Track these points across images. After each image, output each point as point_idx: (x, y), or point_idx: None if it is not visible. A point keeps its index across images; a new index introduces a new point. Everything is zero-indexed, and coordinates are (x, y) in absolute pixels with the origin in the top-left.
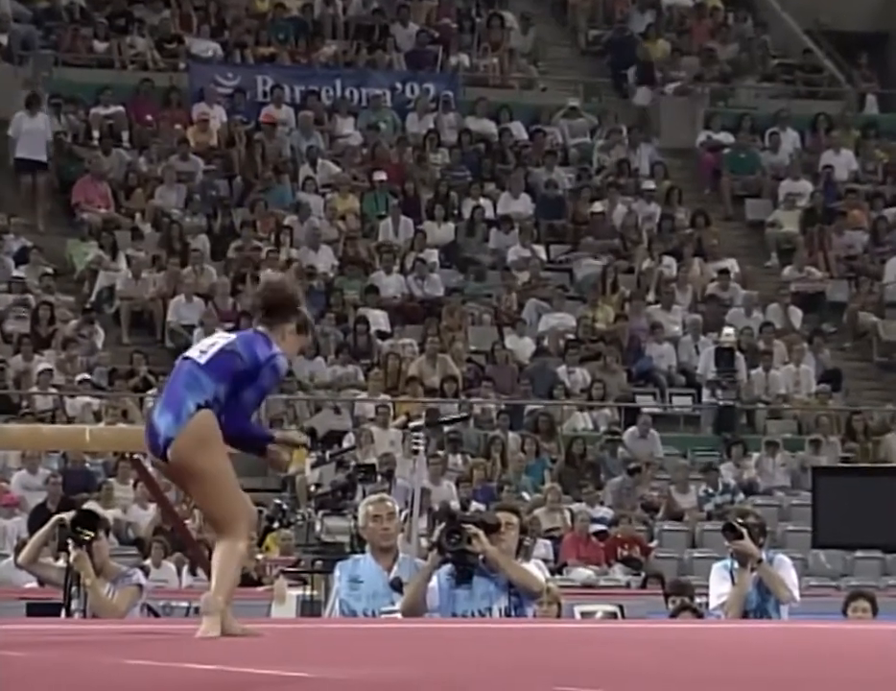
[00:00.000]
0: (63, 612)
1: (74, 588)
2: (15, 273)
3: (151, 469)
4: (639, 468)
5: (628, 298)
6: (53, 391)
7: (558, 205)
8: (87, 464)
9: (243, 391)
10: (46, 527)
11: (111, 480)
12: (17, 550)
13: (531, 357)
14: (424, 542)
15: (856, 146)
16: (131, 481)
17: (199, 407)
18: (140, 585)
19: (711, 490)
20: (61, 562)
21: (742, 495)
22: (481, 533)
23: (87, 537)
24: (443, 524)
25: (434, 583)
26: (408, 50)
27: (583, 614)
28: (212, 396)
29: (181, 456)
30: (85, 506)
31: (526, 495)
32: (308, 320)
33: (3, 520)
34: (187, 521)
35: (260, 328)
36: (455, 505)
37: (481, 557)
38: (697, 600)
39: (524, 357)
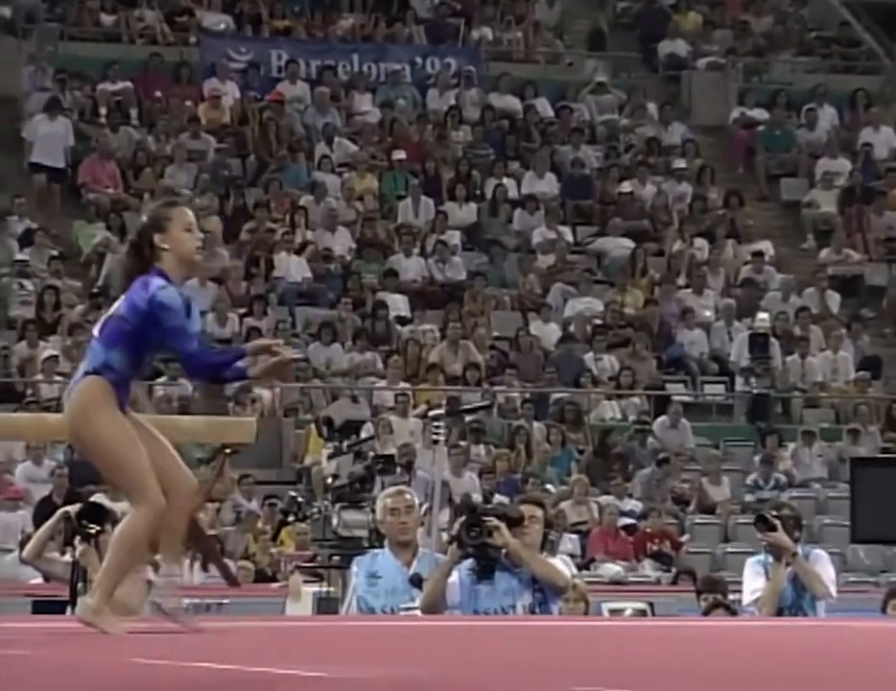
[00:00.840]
0: (70, 609)
1: (80, 584)
2: (20, 256)
3: None
4: (669, 459)
5: (658, 282)
6: (59, 378)
7: (585, 185)
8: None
9: (164, 339)
10: (51, 520)
11: None
12: (22, 545)
13: (557, 343)
14: (445, 536)
15: None
16: None
17: (85, 374)
18: (148, 581)
19: (762, 483)
20: (67, 557)
21: (777, 490)
22: (502, 526)
23: (93, 531)
24: (463, 517)
25: (455, 578)
26: (428, 23)
27: (612, 612)
28: (101, 363)
29: (68, 428)
30: (93, 498)
31: (551, 487)
32: (165, 204)
33: (7, 514)
34: (199, 514)
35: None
36: (477, 497)
37: (503, 551)
38: (731, 597)
39: (549, 343)
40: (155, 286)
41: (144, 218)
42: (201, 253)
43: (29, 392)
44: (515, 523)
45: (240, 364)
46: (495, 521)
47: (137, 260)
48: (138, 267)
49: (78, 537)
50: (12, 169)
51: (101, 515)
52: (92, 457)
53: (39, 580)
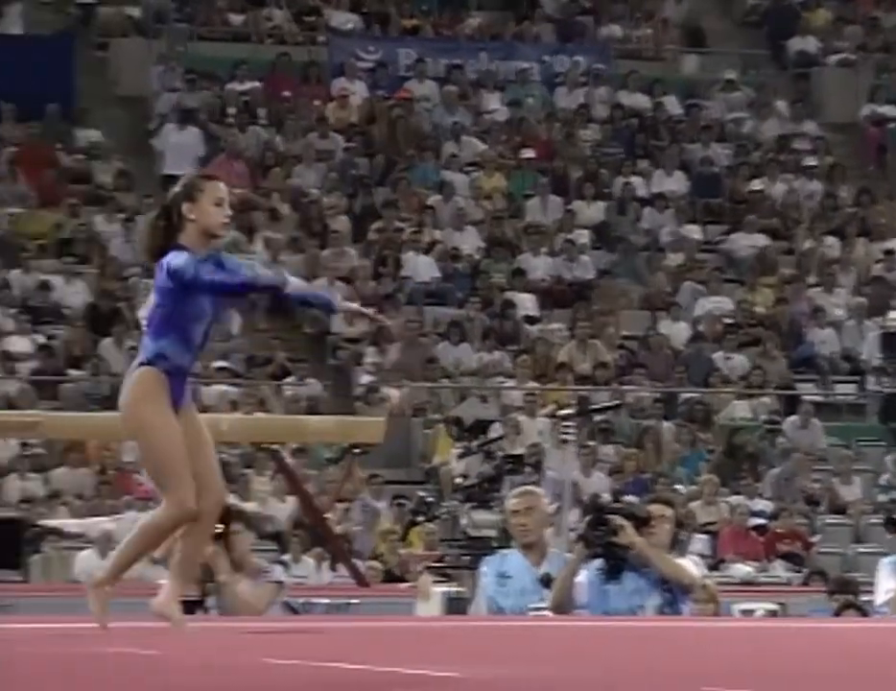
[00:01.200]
0: (200, 609)
1: (210, 585)
2: None
3: (290, 461)
4: (800, 459)
5: (789, 281)
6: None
7: (715, 183)
8: (223, 455)
9: (198, 293)
10: None
11: (248, 471)
12: None
13: (687, 343)
14: (574, 536)
15: None
16: (269, 473)
17: (140, 365)
18: (280, 582)
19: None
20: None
21: None
22: (627, 524)
23: (218, 531)
24: (589, 516)
25: (583, 578)
26: (557, 21)
27: (743, 612)
28: (153, 354)
29: (120, 416)
30: None
31: (681, 487)
32: (201, 175)
33: (137, 513)
34: (327, 515)
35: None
36: (606, 497)
37: (632, 551)
38: (862, 597)
39: (679, 342)
40: (167, 260)
41: (178, 187)
42: (226, 229)
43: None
44: (643, 522)
45: (325, 295)
46: (620, 520)
47: (165, 224)
48: (163, 232)
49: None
50: (143, 169)
51: (226, 516)
52: (137, 446)
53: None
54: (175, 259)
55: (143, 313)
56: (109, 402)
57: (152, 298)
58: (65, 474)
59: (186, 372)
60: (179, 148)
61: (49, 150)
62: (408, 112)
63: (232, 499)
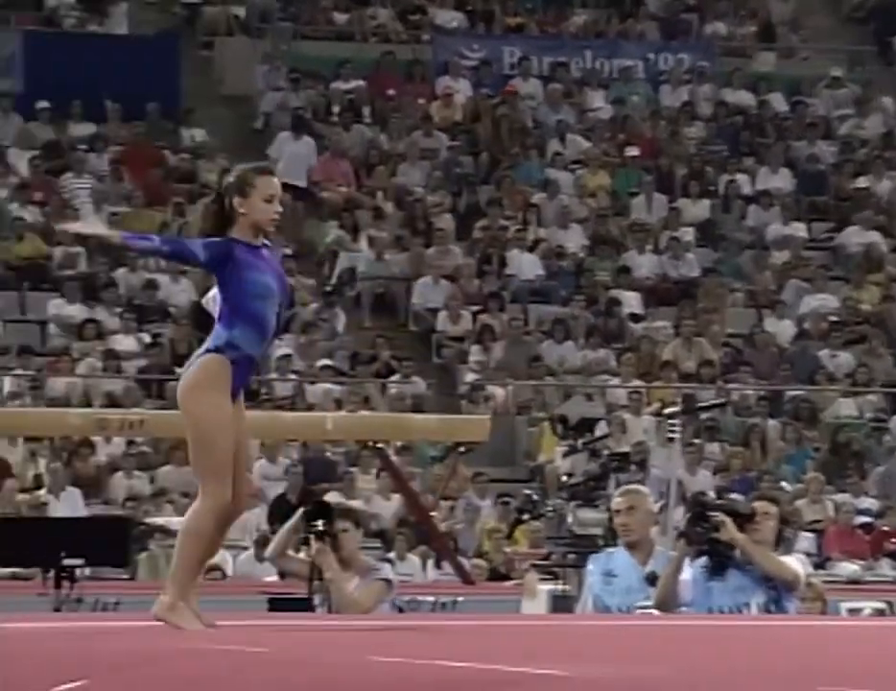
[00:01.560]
0: (307, 608)
1: (316, 582)
2: None
3: (395, 459)
4: None
5: (895, 278)
6: (292, 377)
7: (820, 181)
8: (329, 454)
9: (245, 283)
10: (292, 520)
11: (353, 470)
12: (258, 542)
13: (792, 340)
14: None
15: None
16: (374, 471)
17: (207, 351)
18: (388, 581)
19: None
20: (303, 555)
21: None
22: (728, 520)
23: (322, 529)
24: (691, 512)
25: (688, 575)
26: (661, 19)
27: (850, 611)
28: (224, 341)
29: (178, 397)
30: (326, 496)
31: (787, 485)
32: (253, 169)
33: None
34: (433, 513)
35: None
36: (711, 496)
37: (737, 551)
38: None
39: (784, 340)
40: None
41: (231, 177)
42: (274, 225)
43: (263, 390)
44: (747, 519)
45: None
46: (721, 516)
47: (217, 212)
48: (215, 218)
49: (313, 536)
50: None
51: (329, 514)
52: (187, 431)
53: (275, 577)
54: (202, 250)
55: (205, 300)
56: None
57: (214, 289)
58: (171, 472)
59: (254, 362)
60: (294, 157)
61: (154, 149)
62: (512, 110)
63: (337, 497)
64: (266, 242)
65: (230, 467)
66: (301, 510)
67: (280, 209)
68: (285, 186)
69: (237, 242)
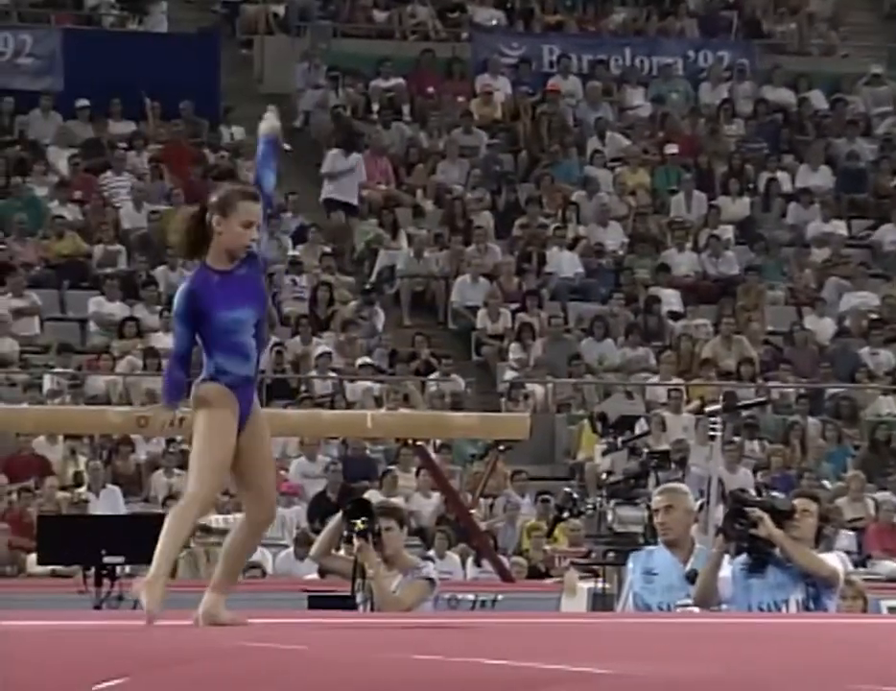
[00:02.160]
0: (348, 606)
1: (359, 581)
2: (293, 252)
3: (434, 456)
4: None
5: None
6: (332, 375)
7: (860, 178)
8: (368, 452)
9: (215, 322)
10: (336, 518)
11: (393, 468)
12: (297, 540)
13: (832, 338)
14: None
15: None
16: (414, 469)
17: (203, 381)
18: (431, 579)
19: None
20: (343, 553)
21: None
22: (765, 517)
23: (362, 528)
24: (729, 509)
25: (727, 572)
26: (701, 16)
27: (891, 609)
28: (213, 370)
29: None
30: (366, 495)
31: (827, 483)
32: (237, 192)
33: (282, 509)
34: (472, 510)
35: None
36: (752, 493)
37: (777, 548)
38: None
39: (824, 338)
40: (182, 288)
41: (216, 195)
42: (245, 252)
43: (303, 388)
44: (786, 516)
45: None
46: (758, 512)
47: (196, 226)
48: (194, 234)
49: (355, 534)
50: (287, 166)
51: (369, 512)
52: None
53: (315, 575)
54: (176, 297)
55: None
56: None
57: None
58: None
59: (251, 380)
60: (344, 174)
61: (193, 148)
62: (552, 108)
63: (375, 494)
64: (248, 249)
65: (222, 472)
66: (342, 509)
67: (256, 237)
68: (335, 202)
69: (207, 271)
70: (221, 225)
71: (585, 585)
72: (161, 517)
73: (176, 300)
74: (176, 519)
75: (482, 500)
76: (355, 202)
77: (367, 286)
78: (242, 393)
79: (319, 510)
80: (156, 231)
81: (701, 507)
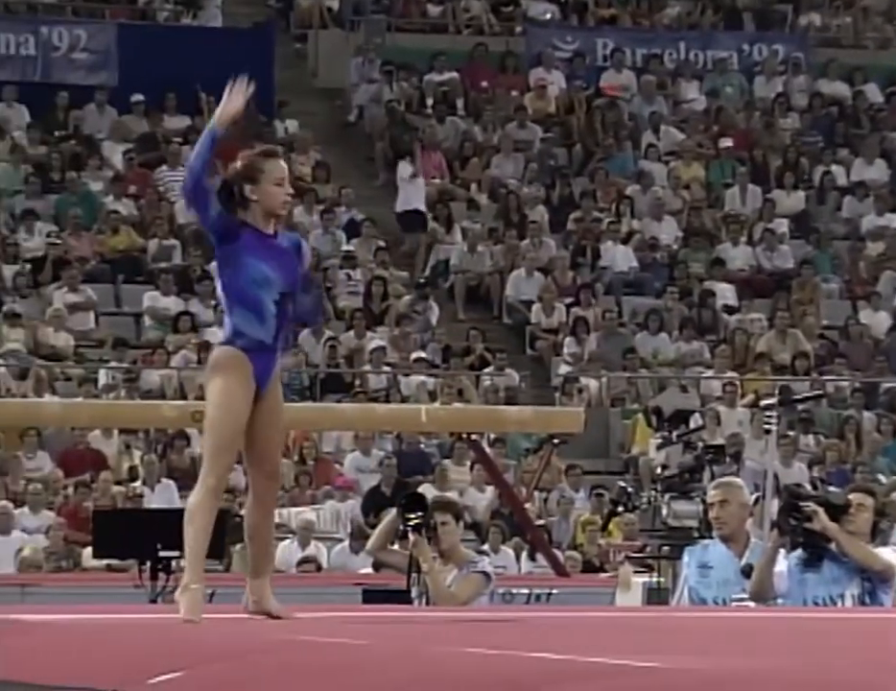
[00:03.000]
0: (402, 600)
1: (415, 575)
2: (347, 246)
3: (488, 450)
4: None
5: None
6: (386, 369)
7: None
8: (422, 446)
9: (242, 267)
10: (391, 513)
11: (447, 462)
12: (352, 534)
13: (888, 332)
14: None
15: None
16: (468, 463)
17: (220, 345)
18: (486, 573)
19: None
20: (398, 547)
21: None
22: (820, 510)
23: (419, 522)
24: (783, 503)
25: (783, 567)
26: (755, 10)
27: None
28: (230, 332)
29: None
30: (419, 489)
31: (882, 478)
32: (260, 153)
33: (337, 503)
34: (526, 504)
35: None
36: (807, 487)
37: (832, 543)
38: None
39: (879, 332)
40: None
41: (238, 165)
42: (287, 208)
43: (357, 382)
44: (841, 510)
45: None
46: (813, 506)
47: (227, 202)
48: (225, 207)
49: (410, 528)
50: (340, 161)
51: (424, 506)
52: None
53: (369, 569)
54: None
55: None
56: (309, 393)
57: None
58: None
59: (269, 347)
60: (414, 184)
61: (248, 142)
62: (606, 103)
63: (428, 489)
64: (287, 206)
65: (232, 449)
66: (397, 503)
67: (291, 191)
68: (406, 215)
69: (247, 227)
70: (255, 193)
71: (640, 580)
72: (219, 511)
73: (220, 217)
74: (194, 519)
75: (536, 494)
76: (422, 208)
77: (422, 280)
78: (257, 358)
79: (374, 504)
80: None
81: (756, 501)
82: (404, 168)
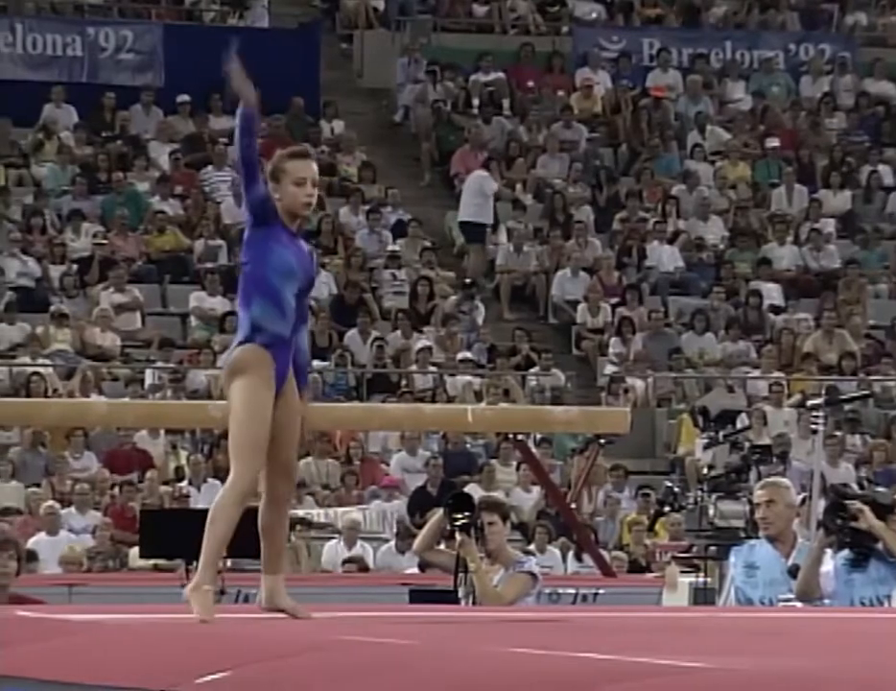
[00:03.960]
0: (449, 600)
1: (461, 575)
2: (393, 246)
3: (535, 451)
4: None
5: None
6: (432, 369)
7: None
8: (468, 446)
9: (268, 253)
10: (438, 513)
11: (493, 462)
12: (398, 534)
13: None
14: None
15: None
16: (514, 463)
17: (239, 344)
18: (532, 574)
19: None
20: (444, 546)
21: None
22: (866, 509)
23: (462, 522)
24: (829, 502)
25: (829, 567)
26: (802, 9)
27: None
28: (248, 328)
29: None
30: (466, 489)
31: None
32: (285, 154)
33: (383, 503)
34: (572, 505)
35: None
36: (854, 487)
37: (879, 542)
38: None
39: None
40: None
41: (268, 165)
42: (308, 209)
43: (403, 382)
44: (888, 510)
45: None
46: (858, 505)
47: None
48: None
49: (457, 528)
50: (386, 161)
51: (471, 506)
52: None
53: (415, 569)
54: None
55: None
56: (355, 393)
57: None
58: (311, 464)
59: (287, 342)
60: (476, 190)
61: (294, 142)
62: (652, 103)
63: (475, 489)
64: (309, 207)
65: (261, 451)
66: (444, 503)
67: (313, 193)
68: (474, 226)
69: (278, 219)
70: (277, 191)
71: (686, 580)
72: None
73: (263, 197)
74: (216, 523)
75: (582, 494)
76: (490, 221)
77: (467, 281)
78: (277, 353)
79: (420, 504)
80: None
81: (803, 501)
82: (486, 183)
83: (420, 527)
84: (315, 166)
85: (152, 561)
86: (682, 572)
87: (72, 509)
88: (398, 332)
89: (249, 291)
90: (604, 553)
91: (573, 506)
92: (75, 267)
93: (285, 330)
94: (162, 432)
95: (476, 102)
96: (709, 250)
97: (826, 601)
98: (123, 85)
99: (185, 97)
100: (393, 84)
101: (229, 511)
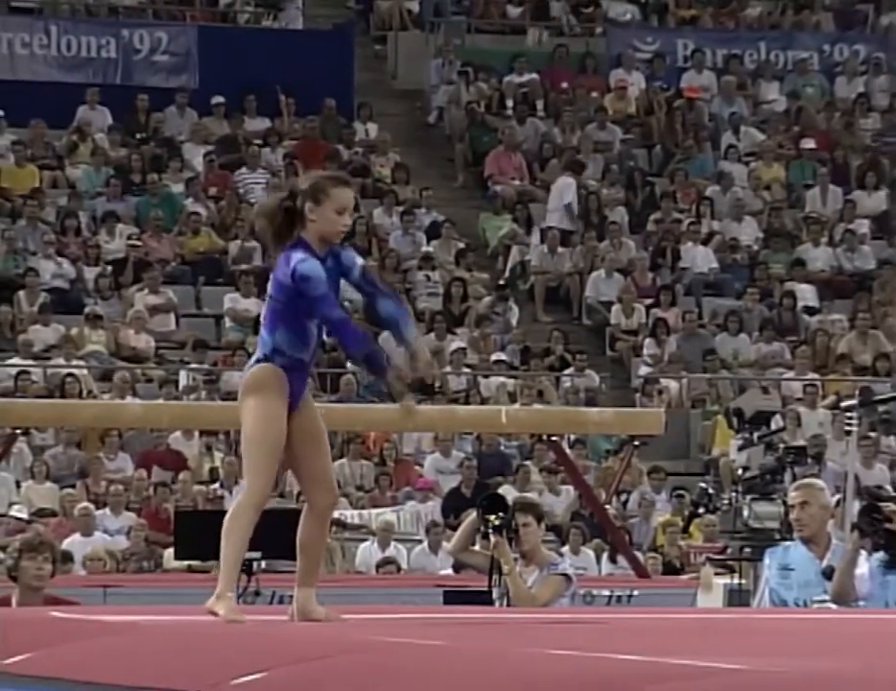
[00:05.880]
0: (482, 601)
1: (496, 576)
2: (427, 248)
3: (569, 452)
4: None
5: None
6: (466, 370)
7: None
8: (502, 447)
9: (312, 310)
10: (472, 515)
11: (527, 463)
12: (432, 535)
13: None
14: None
15: None
16: (548, 464)
17: (257, 362)
18: (566, 575)
19: None
20: (478, 547)
21: None
22: None
23: (496, 523)
24: (863, 504)
25: (864, 569)
26: (836, 10)
27: None
28: (269, 349)
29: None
30: (499, 490)
31: None
32: (329, 178)
33: (417, 504)
34: (607, 506)
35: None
36: (888, 489)
37: None
38: None
39: None
40: (296, 260)
41: (307, 183)
42: (340, 237)
43: (437, 384)
44: None
45: (382, 357)
46: (893, 507)
47: (285, 216)
48: (284, 218)
49: (491, 530)
50: (420, 162)
51: (504, 507)
52: (242, 433)
53: (449, 570)
54: (303, 265)
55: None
56: (389, 395)
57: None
58: (345, 466)
59: (306, 366)
60: (557, 196)
61: (328, 144)
62: (686, 104)
63: (509, 490)
64: (342, 234)
65: (276, 464)
66: (478, 504)
67: (349, 223)
68: (548, 230)
69: (306, 247)
70: (313, 212)
71: (721, 581)
72: (297, 512)
73: (311, 270)
74: (232, 532)
75: (616, 496)
76: (570, 227)
77: (501, 282)
78: (294, 377)
79: (454, 505)
80: None
81: (838, 503)
82: (567, 190)
83: (454, 528)
84: (352, 195)
85: (186, 563)
86: (717, 573)
87: (107, 510)
88: (432, 334)
89: (276, 320)
90: (639, 554)
91: (607, 507)
92: (109, 268)
93: (305, 356)
94: (196, 433)
95: (510, 103)
96: (743, 251)
97: (861, 603)
98: (157, 87)
99: (220, 98)
100: (427, 86)
101: (244, 522)
